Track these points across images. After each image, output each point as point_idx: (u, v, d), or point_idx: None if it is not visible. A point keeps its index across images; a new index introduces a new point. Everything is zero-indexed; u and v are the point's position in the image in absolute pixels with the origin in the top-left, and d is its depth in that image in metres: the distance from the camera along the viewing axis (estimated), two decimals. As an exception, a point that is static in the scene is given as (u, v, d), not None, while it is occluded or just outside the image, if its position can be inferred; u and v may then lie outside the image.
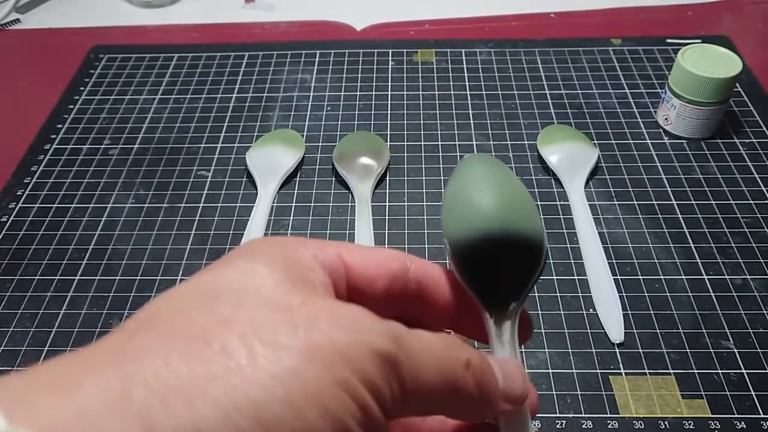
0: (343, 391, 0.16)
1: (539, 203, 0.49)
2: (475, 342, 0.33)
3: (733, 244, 0.46)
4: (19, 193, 0.52)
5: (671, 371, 0.39)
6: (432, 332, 0.20)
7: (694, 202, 0.49)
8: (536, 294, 0.43)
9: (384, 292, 0.23)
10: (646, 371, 0.39)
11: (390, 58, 0.65)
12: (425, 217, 0.49)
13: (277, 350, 0.16)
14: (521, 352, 0.40)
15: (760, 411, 0.37)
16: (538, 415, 0.37)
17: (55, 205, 0.51)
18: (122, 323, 0.18)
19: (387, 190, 0.51)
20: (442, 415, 0.22)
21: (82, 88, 0.62)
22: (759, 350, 0.40)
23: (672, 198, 0.49)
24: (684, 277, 0.44)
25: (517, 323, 0.24)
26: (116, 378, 0.15)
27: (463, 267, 0.24)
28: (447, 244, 0.24)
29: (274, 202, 0.50)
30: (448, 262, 0.24)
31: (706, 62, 0.51)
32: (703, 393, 0.38)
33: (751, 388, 0.38)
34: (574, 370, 0.39)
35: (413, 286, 0.23)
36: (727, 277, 0.44)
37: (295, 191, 0.51)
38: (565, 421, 0.37)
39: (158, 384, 0.15)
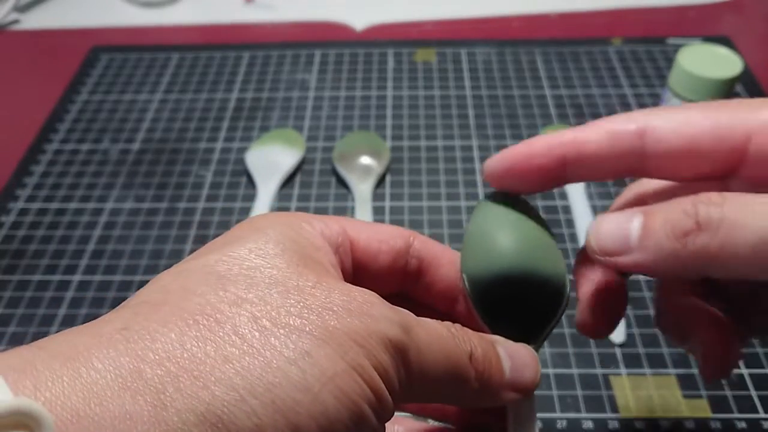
0: (357, 374, 0.16)
1: (539, 203, 0.49)
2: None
3: (734, 244, 0.46)
4: (18, 193, 0.52)
5: (672, 371, 0.39)
6: (438, 321, 0.20)
7: (694, 202, 0.49)
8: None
9: (387, 268, 0.23)
10: (647, 371, 0.39)
11: (390, 58, 0.65)
12: (425, 217, 0.49)
13: (291, 333, 0.16)
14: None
15: (761, 411, 0.37)
16: (539, 415, 0.37)
17: (54, 206, 0.51)
18: (128, 299, 0.18)
19: (387, 190, 0.51)
20: (444, 403, 0.22)
21: (82, 88, 0.62)
22: (759, 350, 0.40)
23: (672, 198, 0.49)
24: (684, 277, 0.44)
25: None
26: (128, 355, 0.15)
27: (480, 304, 0.23)
28: (465, 281, 0.24)
29: (274, 203, 0.50)
30: (467, 299, 0.24)
31: (706, 62, 0.51)
32: (703, 393, 0.38)
33: (751, 388, 0.38)
34: (575, 370, 0.39)
35: (415, 263, 0.23)
36: (727, 277, 0.44)
37: (295, 191, 0.51)
38: (565, 421, 0.37)
39: (171, 364, 0.15)
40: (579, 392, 0.38)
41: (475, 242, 0.24)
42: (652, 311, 0.42)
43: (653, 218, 0.19)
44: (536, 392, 0.37)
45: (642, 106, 0.58)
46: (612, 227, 0.20)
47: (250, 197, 0.51)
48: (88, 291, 0.45)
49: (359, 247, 0.22)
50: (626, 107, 0.58)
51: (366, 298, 0.18)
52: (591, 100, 0.58)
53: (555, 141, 0.22)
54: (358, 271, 0.22)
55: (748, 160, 0.20)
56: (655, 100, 0.58)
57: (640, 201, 0.23)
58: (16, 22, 0.72)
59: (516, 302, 0.23)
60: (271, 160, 0.53)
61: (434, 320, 0.20)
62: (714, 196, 0.18)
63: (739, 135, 0.20)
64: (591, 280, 0.23)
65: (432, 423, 0.27)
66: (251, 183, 0.52)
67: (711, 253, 0.18)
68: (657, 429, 0.36)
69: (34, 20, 0.73)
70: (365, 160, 0.52)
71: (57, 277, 0.46)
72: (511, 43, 0.66)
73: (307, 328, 0.16)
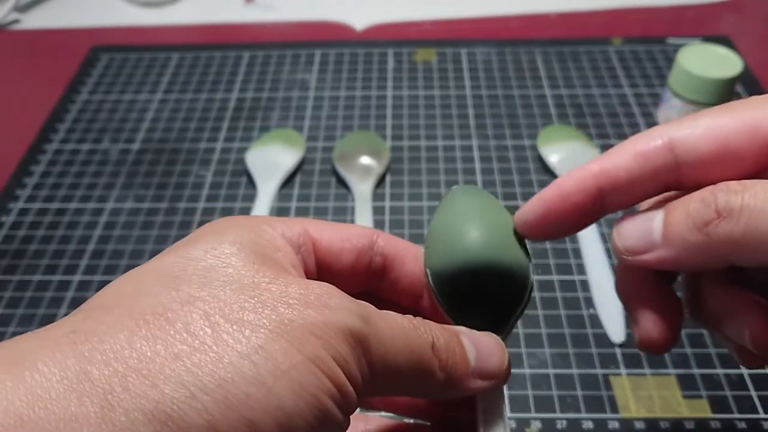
0: (315, 366, 0.16)
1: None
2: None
3: (734, 244, 0.46)
4: (18, 193, 0.52)
5: (672, 371, 0.39)
6: (399, 314, 0.20)
7: (694, 202, 0.49)
8: (536, 294, 0.43)
9: (351, 267, 0.23)
10: (647, 371, 0.39)
11: (390, 58, 0.65)
12: (425, 217, 0.49)
13: (244, 328, 0.16)
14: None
15: (761, 411, 0.37)
16: (539, 415, 0.37)
17: (54, 206, 0.51)
18: (85, 302, 0.17)
19: (387, 190, 0.51)
20: (410, 395, 0.22)
21: (81, 88, 0.62)
22: (759, 350, 0.40)
23: (672, 198, 0.49)
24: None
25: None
26: (74, 358, 0.15)
27: (444, 298, 0.23)
28: (428, 276, 0.24)
29: (274, 202, 0.50)
30: (431, 293, 0.24)
31: (706, 62, 0.51)
32: (703, 393, 0.38)
33: (751, 388, 0.38)
34: (575, 371, 0.39)
35: (379, 260, 0.23)
36: (727, 277, 0.44)
37: (295, 191, 0.51)
38: (565, 421, 0.37)
39: (118, 364, 0.15)
40: (579, 392, 0.38)
41: (437, 236, 0.24)
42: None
43: (674, 212, 0.19)
44: (537, 392, 0.37)
45: (642, 106, 0.58)
46: (635, 226, 0.20)
47: (250, 197, 0.51)
48: (89, 291, 0.45)
49: (322, 246, 0.22)
50: (626, 107, 0.58)
51: (324, 290, 0.18)
52: (591, 100, 0.58)
53: (585, 175, 0.21)
54: (322, 270, 0.22)
55: None
56: (655, 100, 0.58)
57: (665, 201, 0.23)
58: (16, 21, 0.72)
59: (480, 294, 0.23)
60: (271, 160, 0.53)
61: (394, 313, 0.20)
62: (733, 184, 0.18)
63: (766, 129, 0.19)
64: (640, 294, 0.23)
65: (405, 420, 0.26)
66: (251, 183, 0.52)
67: (734, 240, 0.18)
68: (657, 429, 0.36)
69: (34, 20, 0.73)
70: (365, 160, 0.52)
71: (57, 278, 0.46)
72: (511, 43, 0.66)
73: (262, 323, 0.16)
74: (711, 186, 0.19)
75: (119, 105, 0.60)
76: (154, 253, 0.47)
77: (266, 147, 0.54)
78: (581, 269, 0.45)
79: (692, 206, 0.19)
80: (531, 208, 0.22)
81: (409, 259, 0.24)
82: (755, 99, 0.20)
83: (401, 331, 0.19)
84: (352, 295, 0.19)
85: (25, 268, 0.46)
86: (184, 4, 0.74)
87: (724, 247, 0.18)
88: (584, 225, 0.22)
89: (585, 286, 0.44)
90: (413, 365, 0.19)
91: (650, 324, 0.22)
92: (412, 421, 0.26)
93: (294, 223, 0.21)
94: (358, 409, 0.21)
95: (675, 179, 0.21)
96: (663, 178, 0.21)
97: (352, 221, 0.48)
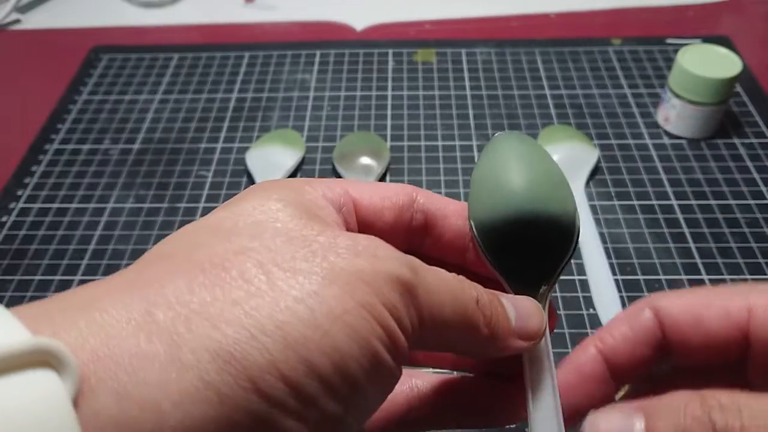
0: (367, 312, 0.16)
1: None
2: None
3: (733, 244, 0.46)
4: (19, 193, 0.52)
5: (671, 371, 0.39)
6: (443, 270, 0.20)
7: (694, 202, 0.49)
8: (536, 294, 0.43)
9: (392, 225, 0.23)
10: (646, 371, 0.39)
11: (390, 58, 0.65)
12: (425, 217, 0.49)
13: (297, 275, 0.16)
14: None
15: (760, 411, 0.37)
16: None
17: (55, 206, 0.51)
18: (140, 258, 0.18)
19: (387, 190, 0.51)
20: (456, 352, 0.22)
21: (82, 88, 0.62)
22: (759, 350, 0.40)
23: (672, 198, 0.49)
24: (684, 277, 0.44)
25: (548, 307, 0.23)
26: (139, 301, 0.15)
27: (490, 250, 0.23)
28: (473, 227, 0.23)
29: (274, 202, 0.50)
30: (476, 244, 0.23)
31: (706, 62, 0.51)
32: (702, 393, 0.38)
33: (750, 388, 0.38)
34: (574, 370, 0.39)
35: (420, 217, 0.23)
36: (727, 277, 0.44)
37: (296, 191, 0.51)
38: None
39: (180, 307, 0.15)
40: (578, 392, 0.38)
41: (481, 186, 0.23)
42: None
43: (658, 422, 0.18)
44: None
45: (642, 106, 0.58)
46: (612, 425, 0.19)
47: (251, 197, 0.51)
48: (89, 291, 0.45)
49: (362, 205, 0.22)
50: (626, 107, 0.58)
51: (371, 241, 0.18)
52: (591, 100, 0.58)
53: (587, 342, 0.23)
54: (364, 229, 0.22)
55: (754, 337, 0.20)
56: (655, 100, 0.58)
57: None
58: (16, 22, 0.72)
59: (528, 244, 0.23)
60: (272, 160, 0.53)
61: (439, 268, 0.20)
62: (724, 398, 0.18)
63: (738, 315, 0.20)
64: None
65: (451, 374, 0.26)
66: (251, 183, 0.52)
67: None
68: (656, 429, 0.36)
69: (35, 20, 0.73)
70: (365, 160, 0.52)
71: (58, 277, 0.46)
72: (511, 43, 0.66)
73: (314, 270, 0.16)
74: (697, 396, 0.18)
75: (120, 105, 0.60)
76: (154, 253, 0.47)
77: (266, 147, 0.54)
78: (581, 269, 0.45)
79: (680, 419, 0.18)
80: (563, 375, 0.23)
81: (451, 214, 0.24)
82: (741, 286, 0.22)
83: (447, 283, 0.19)
84: None
85: (25, 267, 0.46)
86: (184, 4, 0.74)
87: None
88: (603, 396, 0.23)
89: (585, 286, 0.44)
90: (459, 317, 0.19)
91: None
92: (456, 374, 0.26)
93: (334, 184, 0.22)
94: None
95: (664, 344, 0.22)
96: (654, 342, 0.22)
97: (352, 221, 0.48)
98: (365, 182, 0.23)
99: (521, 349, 0.22)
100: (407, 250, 0.23)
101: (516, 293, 0.23)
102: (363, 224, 0.22)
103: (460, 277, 0.20)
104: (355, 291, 0.16)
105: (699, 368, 0.22)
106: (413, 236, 0.24)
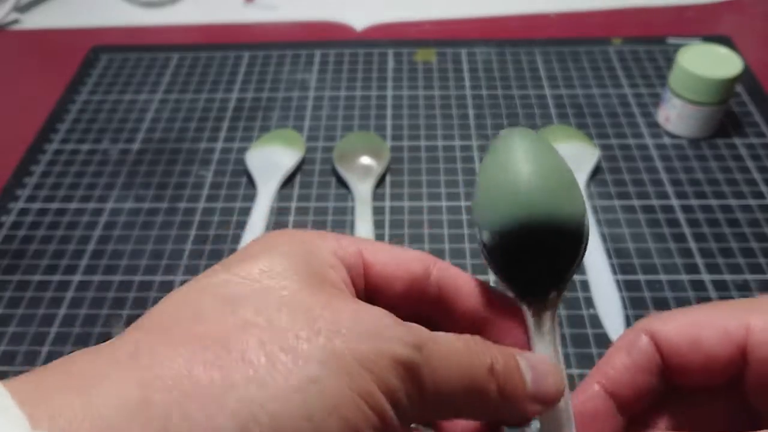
0: (363, 401, 0.16)
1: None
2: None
3: (734, 244, 0.46)
4: (18, 193, 0.52)
5: (672, 371, 0.39)
6: (456, 335, 0.19)
7: (694, 202, 0.49)
8: (536, 294, 0.43)
9: (403, 294, 0.22)
10: (647, 371, 0.39)
11: (390, 58, 0.65)
12: (425, 217, 0.49)
13: (298, 358, 0.16)
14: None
15: (761, 411, 0.37)
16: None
17: (54, 206, 0.51)
18: (142, 318, 0.18)
19: (387, 190, 0.51)
20: (463, 418, 0.22)
21: (81, 88, 0.62)
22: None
23: (673, 198, 0.49)
24: (684, 277, 0.44)
25: (557, 313, 0.22)
26: (136, 384, 0.15)
27: (496, 258, 0.22)
28: (480, 234, 0.22)
29: (274, 203, 0.50)
30: (480, 253, 0.23)
31: (706, 62, 0.51)
32: (703, 393, 0.38)
33: (751, 388, 0.38)
34: (575, 371, 0.39)
35: (434, 290, 0.23)
36: (727, 277, 0.44)
37: (295, 191, 0.51)
38: (565, 422, 0.37)
39: (177, 391, 0.15)
40: (579, 392, 0.38)
41: (487, 192, 0.22)
42: (652, 311, 0.42)
43: None
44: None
45: (642, 106, 0.58)
46: None
47: (250, 197, 0.51)
48: (88, 291, 0.45)
49: (374, 270, 0.22)
50: (626, 107, 0.58)
51: (375, 317, 0.18)
52: (591, 100, 0.58)
53: (588, 379, 0.22)
54: (373, 295, 0.22)
55: (751, 356, 0.20)
56: (655, 100, 0.58)
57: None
58: (16, 22, 0.72)
59: (535, 252, 0.22)
60: (271, 160, 0.53)
61: (450, 334, 0.19)
62: None
63: (737, 333, 0.20)
64: None
65: None
66: (251, 183, 0.52)
67: None
68: (657, 429, 0.36)
69: (35, 20, 0.73)
70: (365, 160, 0.52)
71: (57, 277, 0.46)
72: (511, 43, 0.66)
73: (315, 354, 0.16)
74: None
75: (119, 105, 0.60)
76: (154, 253, 0.47)
77: (266, 147, 0.54)
78: (581, 269, 0.45)
79: None
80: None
81: (467, 295, 0.23)
82: (740, 302, 0.21)
83: (456, 355, 0.19)
84: (405, 319, 0.18)
85: (25, 268, 0.46)
86: (184, 4, 0.74)
87: None
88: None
89: (585, 286, 0.44)
90: (467, 389, 0.19)
91: None
92: None
93: (348, 242, 0.21)
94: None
95: (663, 369, 0.21)
96: (655, 368, 0.21)
97: (352, 221, 0.48)
98: (381, 244, 0.22)
99: (537, 413, 0.21)
100: (416, 315, 0.22)
101: (524, 301, 0.22)
102: (373, 289, 0.22)
103: (474, 341, 0.20)
104: (354, 379, 0.16)
105: (695, 388, 0.22)
106: (424, 307, 0.23)
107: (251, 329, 0.17)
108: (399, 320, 0.18)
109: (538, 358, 0.21)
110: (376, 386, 0.17)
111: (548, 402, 0.21)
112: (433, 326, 0.23)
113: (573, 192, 0.22)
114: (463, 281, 0.23)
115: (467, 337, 0.20)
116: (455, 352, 0.19)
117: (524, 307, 0.22)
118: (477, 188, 0.23)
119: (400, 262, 0.22)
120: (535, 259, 0.22)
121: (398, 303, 0.22)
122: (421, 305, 0.23)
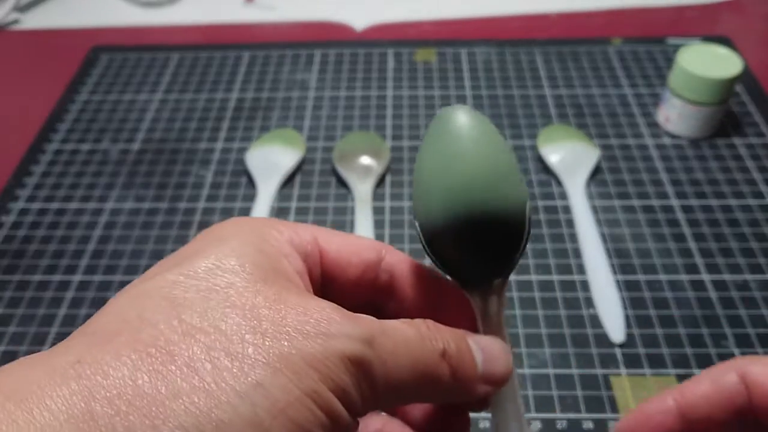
0: (311, 401, 0.16)
1: (539, 203, 0.49)
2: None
3: (734, 244, 0.46)
4: (18, 193, 0.52)
5: (672, 371, 0.39)
6: (407, 321, 0.19)
7: (694, 202, 0.49)
8: (536, 294, 0.43)
9: (356, 280, 0.22)
10: (647, 371, 0.39)
11: (390, 58, 0.65)
12: (425, 217, 0.49)
13: (243, 363, 0.16)
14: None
15: (761, 411, 0.37)
16: (539, 415, 0.37)
17: (54, 206, 0.51)
18: (87, 323, 0.18)
19: (387, 190, 0.51)
20: (416, 402, 0.22)
21: (81, 88, 0.62)
22: (759, 350, 0.40)
23: (672, 198, 0.49)
24: (684, 277, 0.44)
25: (504, 296, 0.22)
26: (79, 394, 0.15)
27: (436, 252, 0.22)
28: (418, 227, 0.22)
29: (274, 203, 0.50)
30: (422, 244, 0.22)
31: (706, 62, 0.51)
32: (703, 393, 0.38)
33: (751, 388, 0.38)
34: (575, 371, 0.39)
35: (385, 277, 0.23)
36: (727, 277, 0.44)
37: (295, 191, 0.51)
38: (565, 422, 0.37)
39: (121, 402, 0.15)
40: (579, 392, 0.38)
41: (424, 182, 0.21)
42: (652, 312, 0.42)
43: None
44: (537, 392, 0.37)
45: (642, 106, 0.58)
46: None
47: (250, 197, 0.51)
48: (88, 291, 0.45)
49: (329, 257, 0.22)
50: (626, 107, 0.58)
51: (323, 313, 0.18)
52: (591, 100, 0.58)
53: (665, 396, 0.23)
54: (327, 281, 0.22)
55: None
56: (655, 100, 0.58)
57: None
58: (16, 22, 0.72)
59: (479, 244, 0.21)
60: (271, 160, 0.53)
61: (401, 321, 0.19)
62: None
63: None
64: None
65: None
66: (251, 183, 0.52)
67: None
68: (657, 429, 0.36)
69: (34, 20, 0.73)
70: (365, 160, 0.52)
71: (57, 278, 0.46)
72: (511, 43, 0.66)
73: (261, 357, 0.16)
74: None
75: (119, 105, 0.60)
76: (154, 254, 0.47)
77: (266, 147, 0.54)
78: (581, 269, 0.45)
79: None
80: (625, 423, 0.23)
81: (417, 282, 0.23)
82: None
83: (407, 344, 0.19)
84: (356, 307, 0.18)
85: (25, 268, 0.46)
86: (184, 4, 0.74)
87: None
88: None
89: (585, 286, 0.44)
90: (420, 376, 0.19)
91: None
92: None
93: (303, 230, 0.21)
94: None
95: (748, 408, 0.22)
96: (735, 408, 0.22)
97: (352, 221, 0.48)
98: (335, 232, 0.22)
99: (486, 394, 0.21)
100: (369, 302, 0.22)
101: (467, 291, 0.22)
102: (327, 275, 0.22)
103: (425, 326, 0.20)
104: (302, 379, 0.16)
105: None
106: (376, 293, 0.23)
107: (197, 335, 0.16)
108: (348, 314, 0.18)
109: (486, 340, 0.22)
110: (324, 385, 0.16)
111: (497, 383, 0.21)
112: (385, 312, 0.24)
113: (512, 178, 0.21)
114: (413, 267, 0.23)
115: (419, 322, 0.20)
116: (406, 341, 0.19)
117: (468, 295, 0.22)
118: (414, 181, 0.22)
119: (354, 249, 0.22)
120: (475, 252, 0.21)
121: (352, 290, 0.22)
122: (375, 292, 0.23)
